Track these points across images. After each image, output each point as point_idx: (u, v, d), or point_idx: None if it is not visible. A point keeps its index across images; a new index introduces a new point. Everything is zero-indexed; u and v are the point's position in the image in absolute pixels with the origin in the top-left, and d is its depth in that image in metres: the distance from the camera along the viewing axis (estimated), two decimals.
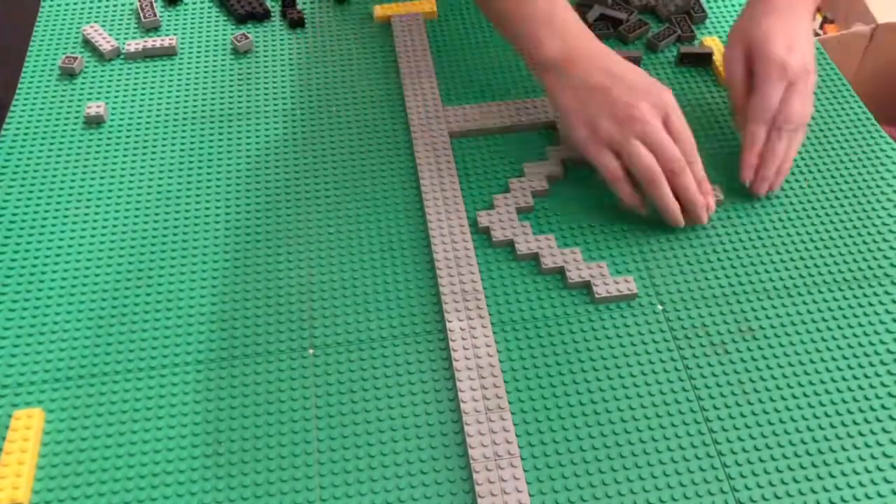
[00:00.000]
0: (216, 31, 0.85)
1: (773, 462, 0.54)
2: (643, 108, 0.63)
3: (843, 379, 0.58)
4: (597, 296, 0.63)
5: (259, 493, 0.53)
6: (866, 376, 0.58)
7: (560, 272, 0.65)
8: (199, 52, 0.83)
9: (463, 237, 0.66)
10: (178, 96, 0.79)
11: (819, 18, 1.54)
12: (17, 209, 0.69)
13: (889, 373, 0.59)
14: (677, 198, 0.65)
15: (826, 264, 0.65)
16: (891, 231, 0.68)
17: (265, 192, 0.71)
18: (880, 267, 0.65)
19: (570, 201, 0.70)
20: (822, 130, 0.76)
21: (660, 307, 0.63)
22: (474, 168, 0.73)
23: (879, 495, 0.52)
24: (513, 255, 0.66)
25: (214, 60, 0.82)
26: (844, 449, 0.55)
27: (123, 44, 0.83)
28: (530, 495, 0.53)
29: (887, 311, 0.62)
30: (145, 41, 0.83)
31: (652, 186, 0.64)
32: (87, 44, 0.84)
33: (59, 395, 0.58)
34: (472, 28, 0.86)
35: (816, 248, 0.67)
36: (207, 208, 0.70)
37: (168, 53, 0.83)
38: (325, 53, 0.83)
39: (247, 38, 0.83)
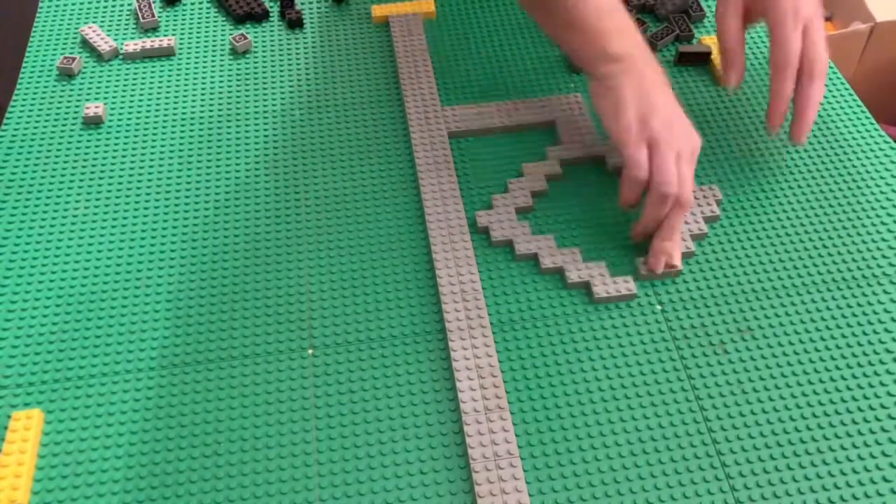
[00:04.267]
0: (215, 31, 0.85)
1: (773, 462, 0.54)
2: (684, 134, 0.64)
3: (843, 378, 0.58)
4: (596, 296, 0.63)
5: (259, 493, 0.53)
6: (865, 376, 0.58)
7: (559, 272, 0.65)
8: (197, 52, 0.83)
9: (462, 237, 0.66)
10: (176, 97, 0.79)
11: None
12: (16, 210, 0.69)
13: (888, 372, 0.59)
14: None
15: (825, 264, 0.65)
16: (890, 231, 0.68)
17: (264, 192, 0.71)
18: (879, 266, 0.65)
19: (570, 201, 0.70)
20: (820, 130, 0.76)
21: (659, 307, 0.63)
22: (473, 168, 0.73)
23: (879, 494, 0.53)
24: (512, 256, 0.66)
25: (213, 61, 0.82)
26: (844, 448, 0.55)
27: (122, 44, 0.83)
28: (530, 495, 0.53)
29: (886, 311, 0.62)
30: (144, 42, 0.83)
31: (656, 203, 0.63)
32: (86, 44, 0.83)
33: (59, 395, 0.58)
34: (471, 28, 0.85)
35: (815, 248, 0.67)
36: (206, 208, 0.70)
37: (167, 54, 0.83)
38: (324, 54, 0.83)
39: (245, 38, 0.83)
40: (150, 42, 0.82)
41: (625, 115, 0.64)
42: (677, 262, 0.64)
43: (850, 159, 0.73)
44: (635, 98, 0.64)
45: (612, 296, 0.63)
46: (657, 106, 0.64)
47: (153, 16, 0.85)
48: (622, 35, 0.66)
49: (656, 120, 0.63)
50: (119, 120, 0.77)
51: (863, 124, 0.76)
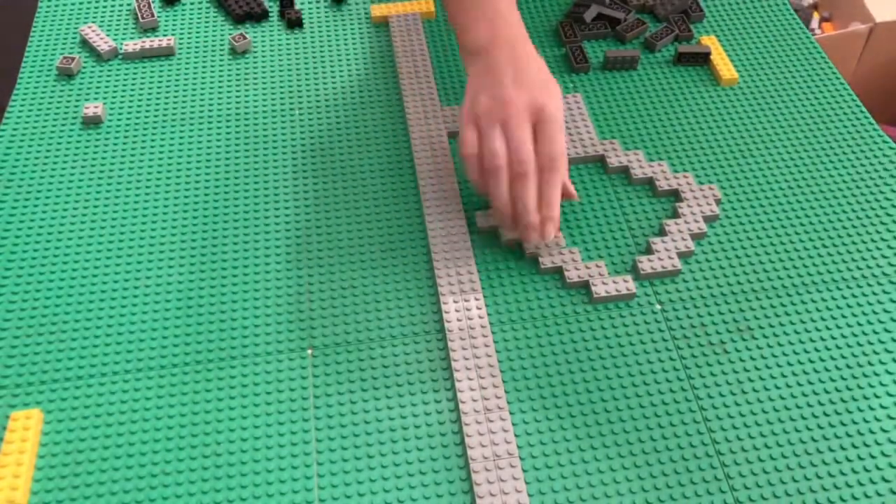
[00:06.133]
0: (214, 31, 0.85)
1: (772, 462, 0.54)
2: (519, 99, 0.61)
3: (843, 378, 0.58)
4: (595, 295, 0.63)
5: (259, 493, 0.53)
6: (865, 376, 0.59)
7: (559, 272, 0.65)
8: (197, 52, 0.83)
9: (461, 237, 0.66)
10: (176, 97, 0.79)
11: (817, 17, 1.54)
12: (15, 209, 0.69)
13: (888, 372, 0.59)
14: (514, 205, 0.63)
15: (825, 264, 0.65)
16: (889, 231, 0.68)
17: (263, 192, 0.71)
18: (879, 266, 0.65)
19: (569, 201, 0.70)
20: (819, 130, 0.76)
21: (658, 307, 0.63)
22: None
23: (878, 495, 0.53)
24: (511, 255, 0.66)
25: (212, 61, 0.82)
26: (844, 448, 0.55)
27: (121, 44, 0.83)
28: (529, 495, 0.53)
29: (885, 311, 0.62)
30: (143, 41, 0.83)
31: (489, 175, 0.62)
32: (85, 44, 0.83)
33: (58, 395, 0.58)
34: None
35: (815, 248, 0.67)
36: (206, 208, 0.70)
37: (166, 54, 0.83)
38: (323, 54, 0.83)
39: (245, 38, 0.83)
40: (149, 42, 0.82)
41: (463, 103, 0.65)
42: (549, 232, 0.63)
43: (849, 159, 0.73)
44: (475, 84, 0.65)
45: (612, 295, 0.63)
46: (490, 82, 0.63)
47: (153, 16, 0.85)
48: (480, 15, 0.66)
49: (483, 97, 0.63)
50: (118, 120, 0.77)
51: (862, 125, 0.76)
